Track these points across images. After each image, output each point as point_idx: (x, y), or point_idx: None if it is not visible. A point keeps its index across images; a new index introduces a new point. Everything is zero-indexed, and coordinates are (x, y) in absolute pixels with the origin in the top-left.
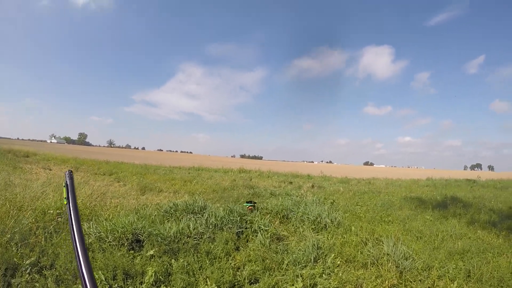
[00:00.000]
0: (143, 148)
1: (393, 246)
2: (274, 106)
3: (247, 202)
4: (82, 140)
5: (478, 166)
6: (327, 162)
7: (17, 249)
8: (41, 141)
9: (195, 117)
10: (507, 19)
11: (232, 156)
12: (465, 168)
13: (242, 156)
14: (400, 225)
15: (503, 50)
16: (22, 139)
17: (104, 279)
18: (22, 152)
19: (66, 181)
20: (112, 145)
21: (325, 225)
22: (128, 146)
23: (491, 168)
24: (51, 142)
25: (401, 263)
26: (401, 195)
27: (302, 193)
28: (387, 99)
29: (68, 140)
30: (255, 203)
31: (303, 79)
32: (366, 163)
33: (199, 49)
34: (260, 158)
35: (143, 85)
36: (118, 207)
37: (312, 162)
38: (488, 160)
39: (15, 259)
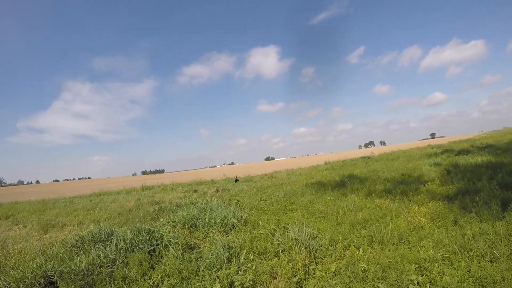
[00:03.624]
0: (37, 182)
1: (298, 231)
2: (169, 116)
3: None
4: None
5: (371, 143)
6: (229, 164)
7: None
8: None
9: (88, 139)
10: (382, 15)
11: (133, 175)
12: (360, 147)
13: (144, 173)
14: (303, 211)
15: (380, 41)
16: None
17: None
18: None
19: None
20: (3, 184)
21: (233, 225)
22: (20, 182)
23: (382, 143)
24: None
25: (309, 244)
26: (302, 183)
27: (207, 199)
28: (278, 95)
29: None
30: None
31: (194, 85)
32: (268, 159)
33: (83, 64)
34: (162, 171)
35: (26, 109)
36: (23, 252)
37: (215, 166)
38: (379, 136)
39: None
